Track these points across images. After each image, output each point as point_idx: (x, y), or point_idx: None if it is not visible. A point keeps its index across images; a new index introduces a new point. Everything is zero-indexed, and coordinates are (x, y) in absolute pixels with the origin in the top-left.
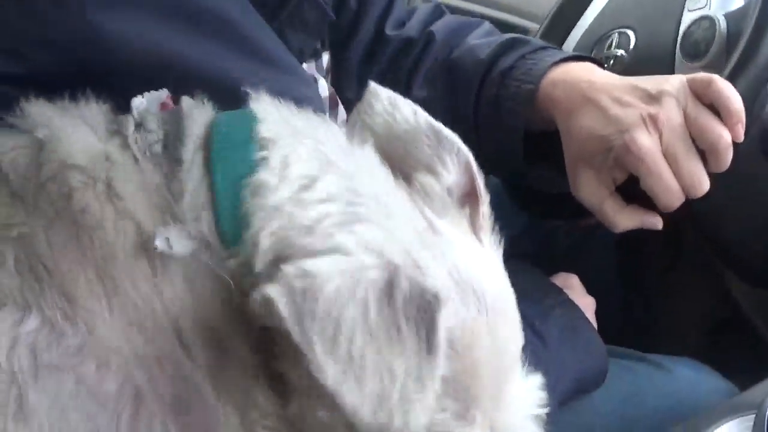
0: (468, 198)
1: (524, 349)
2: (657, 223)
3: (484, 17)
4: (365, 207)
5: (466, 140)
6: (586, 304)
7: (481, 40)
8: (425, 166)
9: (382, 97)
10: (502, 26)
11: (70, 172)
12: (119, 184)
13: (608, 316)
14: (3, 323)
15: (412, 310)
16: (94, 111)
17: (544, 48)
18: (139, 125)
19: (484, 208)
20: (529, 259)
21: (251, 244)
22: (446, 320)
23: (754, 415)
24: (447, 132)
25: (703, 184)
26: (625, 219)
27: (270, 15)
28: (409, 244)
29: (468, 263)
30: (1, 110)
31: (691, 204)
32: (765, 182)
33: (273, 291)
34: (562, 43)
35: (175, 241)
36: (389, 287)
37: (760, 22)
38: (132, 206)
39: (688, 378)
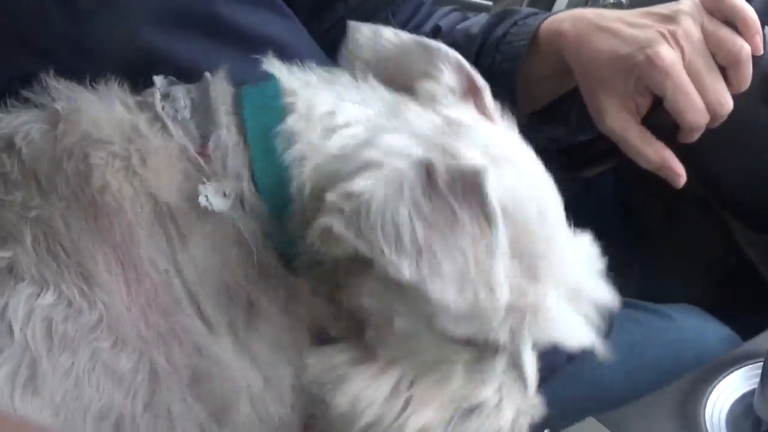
0: (470, 91)
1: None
2: (680, 176)
3: None
4: (382, 121)
5: None
6: None
7: (473, 20)
8: (422, 74)
9: (363, 30)
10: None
11: (91, 147)
12: (146, 158)
13: (612, 266)
14: (19, 296)
15: (458, 190)
16: (117, 89)
17: (535, 14)
18: (166, 96)
19: (487, 95)
20: None
21: (297, 192)
22: (492, 189)
23: (761, 364)
24: (432, 42)
25: (728, 102)
26: (652, 152)
27: None
28: (433, 138)
29: (493, 139)
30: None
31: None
32: (764, 129)
33: (326, 220)
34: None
35: (212, 199)
36: (429, 179)
37: None
38: (154, 181)
39: (692, 326)
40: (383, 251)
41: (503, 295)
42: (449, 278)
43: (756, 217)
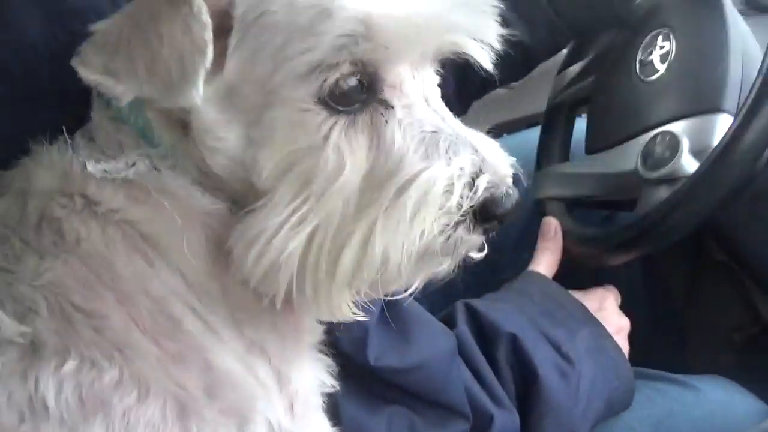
0: None
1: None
2: None
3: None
4: None
5: None
6: (621, 326)
7: None
8: None
9: None
10: None
11: (51, 200)
12: (91, 191)
13: (637, 335)
14: (46, 368)
15: None
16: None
17: None
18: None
19: None
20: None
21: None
22: None
23: None
24: None
25: None
26: None
27: None
28: None
29: None
30: None
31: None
32: None
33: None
34: None
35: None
36: None
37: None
38: (111, 203)
39: (720, 399)
40: (88, 58)
41: (203, 54)
42: (141, 60)
43: None
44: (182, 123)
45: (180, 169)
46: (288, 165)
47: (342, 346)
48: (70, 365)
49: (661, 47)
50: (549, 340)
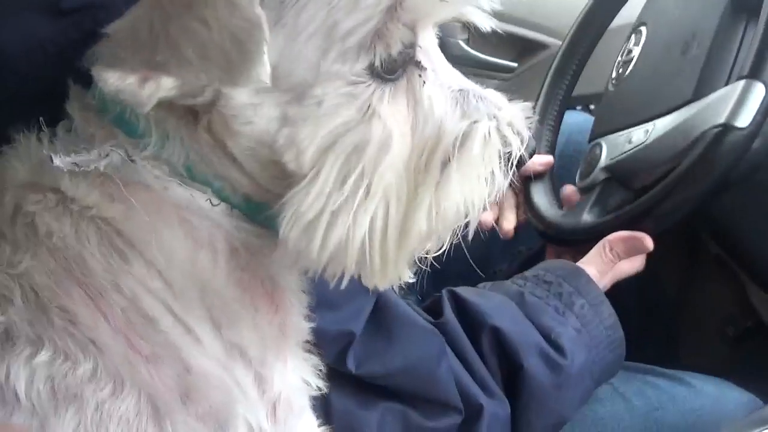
0: None
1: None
2: None
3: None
4: None
5: None
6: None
7: None
8: None
9: None
10: (525, 42)
11: (24, 194)
12: (64, 185)
13: (630, 328)
14: (19, 359)
15: None
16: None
17: None
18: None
19: None
20: None
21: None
22: None
23: None
24: None
25: None
26: None
27: None
28: None
29: None
30: None
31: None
32: None
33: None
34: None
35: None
36: None
37: None
38: (86, 200)
39: (711, 393)
40: (122, 56)
41: (261, 29)
42: (189, 48)
43: None
44: (191, 112)
45: (163, 162)
46: (332, 140)
47: (325, 357)
48: (43, 356)
49: None
50: (537, 327)
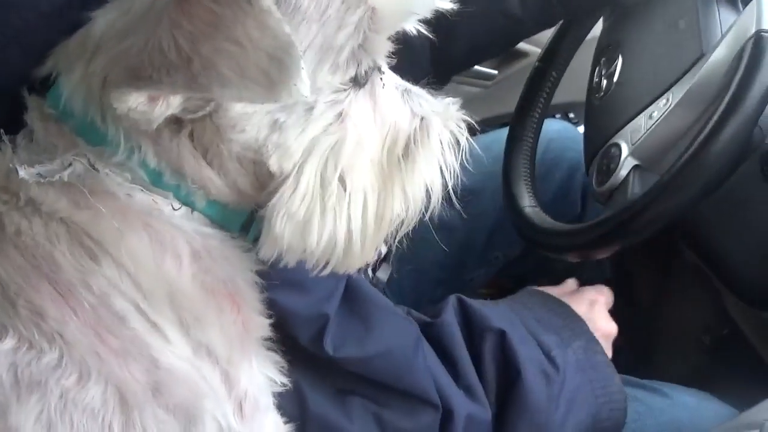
0: None
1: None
2: None
3: None
4: None
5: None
6: (608, 332)
7: None
8: None
9: None
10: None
11: None
12: (33, 192)
13: None
14: None
15: None
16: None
17: None
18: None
19: None
20: (529, 276)
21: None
22: None
23: None
24: None
25: None
26: None
27: None
28: None
29: None
30: None
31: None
32: (764, 205)
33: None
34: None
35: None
36: None
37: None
38: (55, 205)
39: (688, 404)
40: (155, 77)
41: (295, 46)
42: (228, 68)
43: (752, 291)
44: (175, 122)
45: (126, 169)
46: (314, 144)
47: (300, 340)
48: (7, 344)
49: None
50: (538, 343)
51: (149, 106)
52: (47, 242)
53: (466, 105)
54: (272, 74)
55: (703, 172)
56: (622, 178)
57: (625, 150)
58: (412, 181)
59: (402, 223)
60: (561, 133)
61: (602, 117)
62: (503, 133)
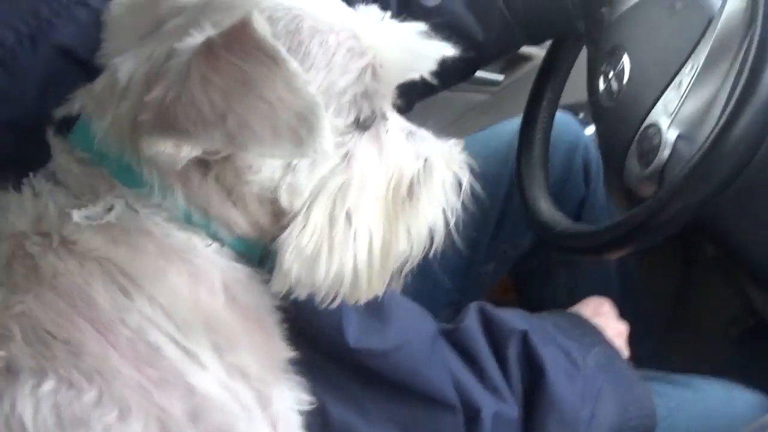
0: None
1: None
2: None
3: None
4: None
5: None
6: (620, 330)
7: None
8: None
9: None
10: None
11: (23, 239)
12: (67, 231)
13: (631, 336)
14: (22, 389)
15: (237, 47)
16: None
17: None
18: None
19: None
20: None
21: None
22: (263, 28)
23: None
24: None
25: None
26: None
27: None
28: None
29: None
30: None
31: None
32: None
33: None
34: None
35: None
36: (210, 52)
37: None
38: (89, 244)
39: (720, 396)
40: (192, 131)
41: (320, 105)
42: (262, 127)
43: None
44: (203, 165)
45: (162, 209)
46: (323, 184)
47: (322, 333)
48: (48, 385)
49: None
50: (559, 346)
51: (175, 149)
52: (83, 282)
53: (475, 113)
54: (301, 133)
55: (740, 141)
56: (669, 152)
57: (664, 124)
58: (416, 220)
59: (407, 260)
60: (565, 125)
61: (622, 111)
62: (501, 126)
